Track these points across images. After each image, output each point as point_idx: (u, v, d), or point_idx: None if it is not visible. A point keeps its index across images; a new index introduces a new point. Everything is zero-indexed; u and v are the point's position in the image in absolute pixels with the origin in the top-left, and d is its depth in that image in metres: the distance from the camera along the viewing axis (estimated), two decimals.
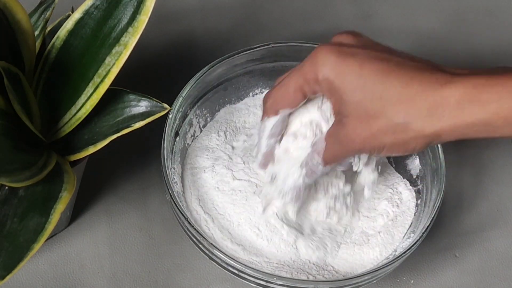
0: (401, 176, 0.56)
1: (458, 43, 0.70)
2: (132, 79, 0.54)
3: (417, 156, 0.56)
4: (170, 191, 0.49)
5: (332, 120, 0.48)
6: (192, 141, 0.57)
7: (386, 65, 0.43)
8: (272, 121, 0.49)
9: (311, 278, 0.50)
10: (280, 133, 0.50)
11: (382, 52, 0.44)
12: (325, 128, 0.48)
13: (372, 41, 0.46)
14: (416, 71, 0.42)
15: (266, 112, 0.49)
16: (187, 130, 0.56)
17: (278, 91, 0.48)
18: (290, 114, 0.49)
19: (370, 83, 0.42)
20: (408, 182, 0.56)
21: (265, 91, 0.60)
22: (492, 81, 0.41)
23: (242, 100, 0.60)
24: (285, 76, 0.49)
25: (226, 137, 0.57)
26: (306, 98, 0.47)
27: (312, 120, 0.49)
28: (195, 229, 0.48)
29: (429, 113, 0.42)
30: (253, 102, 0.60)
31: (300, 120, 0.49)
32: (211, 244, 0.47)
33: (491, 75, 0.41)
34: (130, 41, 0.45)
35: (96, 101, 0.45)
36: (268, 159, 0.51)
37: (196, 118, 0.57)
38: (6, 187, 0.43)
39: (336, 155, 0.46)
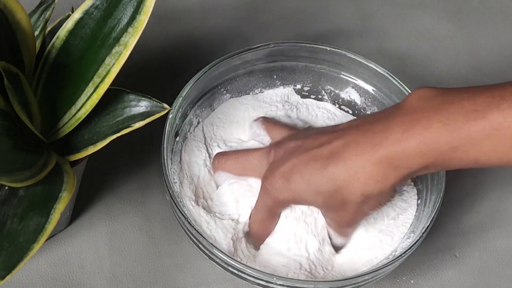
0: None
1: (458, 43, 0.70)
2: (132, 79, 0.54)
3: None
4: (170, 191, 0.49)
5: None
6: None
7: (320, 162, 0.47)
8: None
9: (311, 278, 0.50)
10: None
11: (311, 148, 0.48)
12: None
13: (297, 140, 0.50)
14: (344, 151, 0.46)
15: (260, 241, 0.52)
16: (187, 130, 0.56)
17: (260, 227, 0.51)
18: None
19: (319, 185, 0.47)
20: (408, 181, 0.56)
21: (265, 91, 0.60)
22: (408, 134, 0.44)
23: None
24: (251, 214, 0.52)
25: None
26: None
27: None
28: (195, 229, 0.47)
29: (375, 180, 0.45)
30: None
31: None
32: (211, 244, 0.47)
33: (406, 126, 0.44)
34: (130, 41, 0.45)
35: (96, 101, 0.45)
36: None
37: (196, 118, 0.57)
38: (6, 187, 0.43)
39: (346, 233, 0.51)
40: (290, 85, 0.60)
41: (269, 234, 0.51)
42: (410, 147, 0.44)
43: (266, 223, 0.51)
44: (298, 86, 0.60)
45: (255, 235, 0.52)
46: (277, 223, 0.51)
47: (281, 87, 0.60)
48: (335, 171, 0.46)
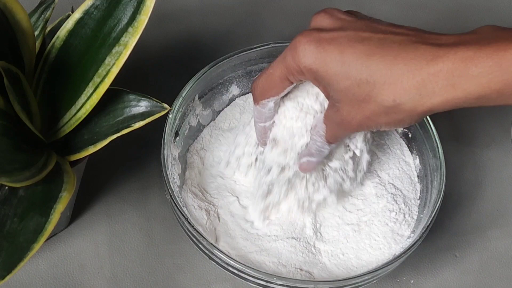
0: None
1: None
2: (132, 79, 0.54)
3: (417, 156, 0.56)
4: (170, 191, 0.49)
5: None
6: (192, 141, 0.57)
7: (367, 46, 0.42)
8: (264, 108, 0.49)
9: (310, 277, 0.50)
10: (273, 116, 0.50)
11: (363, 30, 0.43)
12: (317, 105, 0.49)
13: (351, 17, 0.45)
14: (399, 48, 0.41)
15: (256, 100, 0.49)
16: (187, 130, 0.56)
17: (264, 81, 0.47)
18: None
19: (353, 69, 0.42)
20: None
21: None
22: (481, 52, 0.39)
23: None
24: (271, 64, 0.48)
25: None
26: (293, 85, 0.47)
27: (304, 104, 0.49)
28: (195, 229, 0.48)
29: (418, 92, 0.41)
30: None
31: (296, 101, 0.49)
32: (211, 244, 0.47)
33: (479, 45, 0.40)
34: (130, 41, 0.45)
35: (96, 101, 0.45)
36: (264, 138, 0.51)
37: (196, 118, 0.57)
38: (6, 187, 0.43)
39: (338, 136, 0.47)
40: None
41: (267, 97, 0.48)
42: (480, 66, 0.39)
43: (272, 82, 0.47)
44: None
45: (255, 88, 0.48)
46: (280, 91, 0.47)
47: None
48: (379, 62, 0.41)
